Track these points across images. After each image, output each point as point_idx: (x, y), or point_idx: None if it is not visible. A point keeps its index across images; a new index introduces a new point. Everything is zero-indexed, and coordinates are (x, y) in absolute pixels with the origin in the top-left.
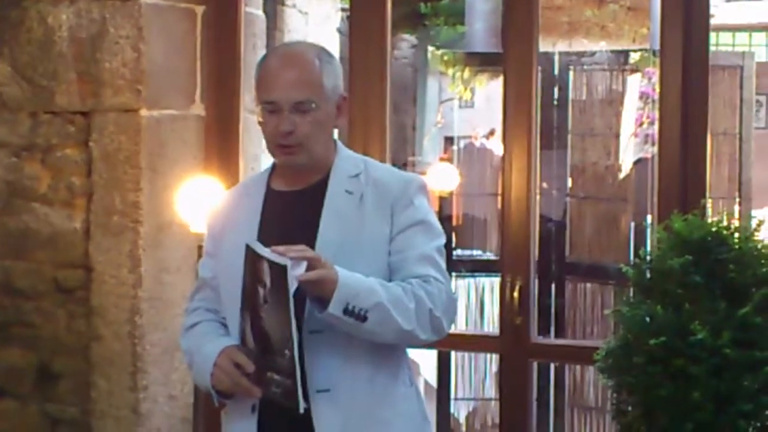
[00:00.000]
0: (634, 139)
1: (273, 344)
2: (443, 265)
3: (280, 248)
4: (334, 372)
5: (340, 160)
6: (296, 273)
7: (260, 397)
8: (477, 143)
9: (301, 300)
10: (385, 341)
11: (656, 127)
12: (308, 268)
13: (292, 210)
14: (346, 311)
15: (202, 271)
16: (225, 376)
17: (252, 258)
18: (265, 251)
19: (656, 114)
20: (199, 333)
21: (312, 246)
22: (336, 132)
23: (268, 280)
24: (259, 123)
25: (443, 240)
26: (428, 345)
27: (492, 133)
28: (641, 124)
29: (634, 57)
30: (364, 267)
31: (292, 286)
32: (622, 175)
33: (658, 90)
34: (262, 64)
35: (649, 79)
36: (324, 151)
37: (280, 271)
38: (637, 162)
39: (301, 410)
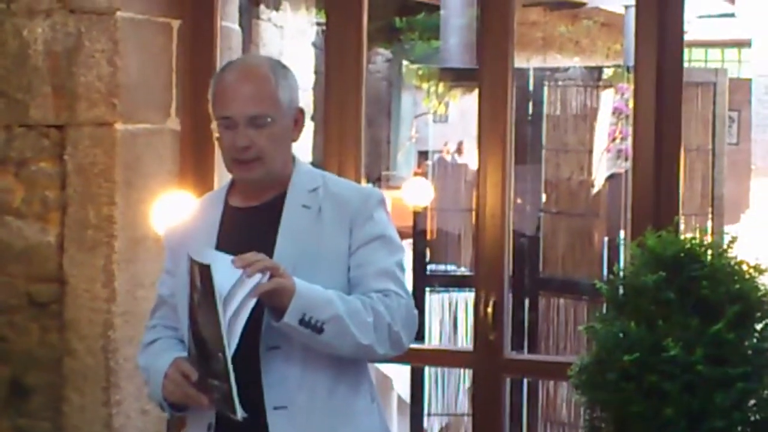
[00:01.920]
0: (606, 155)
1: (209, 349)
2: (404, 279)
3: (238, 261)
4: (291, 388)
5: (298, 174)
6: (254, 282)
7: (209, 407)
8: (448, 158)
9: (257, 316)
10: (343, 354)
11: (629, 142)
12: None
13: (249, 226)
14: (302, 322)
15: (160, 289)
16: (174, 387)
17: (190, 267)
18: (197, 256)
19: (629, 129)
20: (155, 350)
21: None
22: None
23: (199, 284)
24: (216, 139)
25: (404, 254)
26: (398, 359)
27: (461, 146)
28: (614, 140)
29: (607, 72)
30: (323, 282)
31: (252, 299)
32: (594, 191)
33: (632, 106)
34: (217, 79)
35: (622, 94)
36: (282, 165)
37: (205, 272)
38: (610, 177)
39: (239, 417)
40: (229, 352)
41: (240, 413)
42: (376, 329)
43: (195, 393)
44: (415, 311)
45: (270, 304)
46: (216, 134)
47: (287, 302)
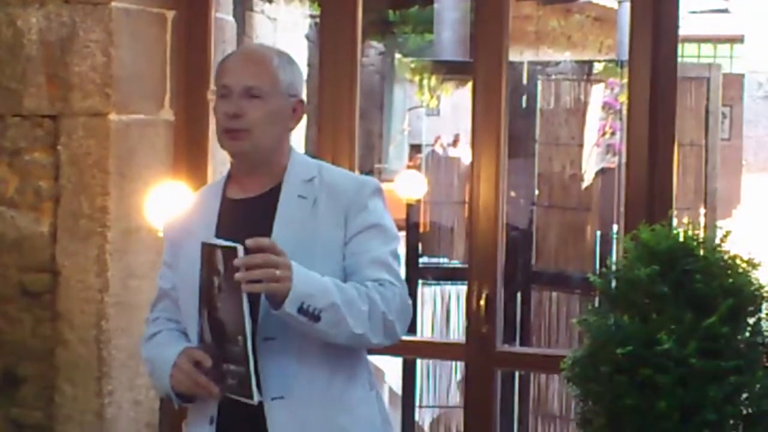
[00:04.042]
0: (596, 149)
1: (227, 333)
2: (398, 268)
3: (250, 241)
4: (288, 379)
5: (293, 165)
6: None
7: (219, 396)
8: (440, 151)
9: (254, 307)
10: (337, 343)
11: (618, 137)
12: None
13: (246, 217)
14: (300, 310)
15: (161, 282)
16: (183, 376)
17: (207, 252)
18: (218, 240)
19: (618, 124)
20: (159, 341)
21: None
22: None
23: (222, 268)
24: (213, 111)
25: (398, 243)
26: (390, 351)
27: (457, 139)
28: (604, 134)
29: (597, 67)
30: (318, 272)
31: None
32: (584, 185)
33: (626, 101)
34: (223, 59)
35: (612, 89)
36: (274, 147)
37: (232, 255)
38: (601, 172)
39: (255, 401)
40: (250, 335)
41: (257, 397)
42: (370, 318)
43: (205, 381)
44: (409, 300)
45: (268, 293)
46: (213, 106)
47: (286, 291)
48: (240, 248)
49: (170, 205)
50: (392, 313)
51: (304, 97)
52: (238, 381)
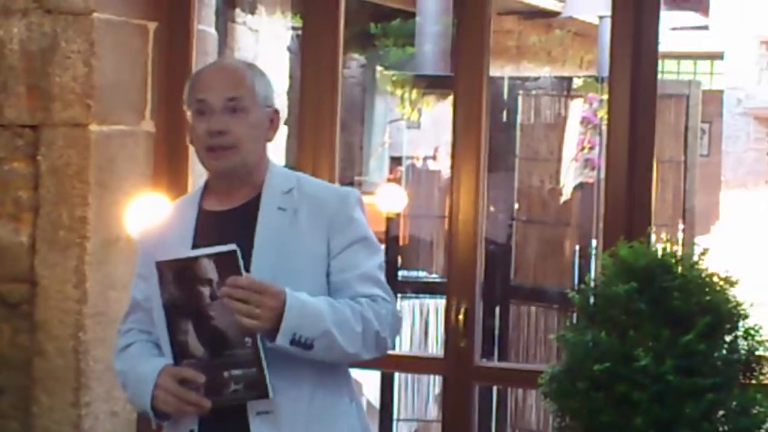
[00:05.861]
0: (574, 164)
1: (229, 339)
2: (385, 282)
3: (230, 280)
4: (275, 394)
5: (271, 176)
6: None
7: (211, 408)
8: (419, 164)
9: None
10: (327, 362)
11: (596, 151)
12: None
13: (225, 230)
14: (292, 341)
15: (134, 293)
16: (171, 397)
17: (178, 269)
18: (198, 252)
19: (597, 139)
20: (132, 354)
21: (247, 267)
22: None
23: (214, 275)
24: (189, 131)
25: (382, 255)
26: (369, 364)
27: (436, 152)
28: (582, 149)
29: (577, 83)
30: (302, 286)
31: None
32: (562, 199)
33: (606, 117)
34: (194, 74)
35: (591, 104)
36: (256, 159)
37: (229, 258)
38: (579, 186)
39: (271, 395)
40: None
41: (272, 392)
42: (364, 338)
43: (195, 398)
44: (400, 314)
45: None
46: (189, 130)
47: (260, 330)
48: (237, 249)
49: (150, 216)
50: (385, 330)
51: (276, 106)
52: (244, 384)
